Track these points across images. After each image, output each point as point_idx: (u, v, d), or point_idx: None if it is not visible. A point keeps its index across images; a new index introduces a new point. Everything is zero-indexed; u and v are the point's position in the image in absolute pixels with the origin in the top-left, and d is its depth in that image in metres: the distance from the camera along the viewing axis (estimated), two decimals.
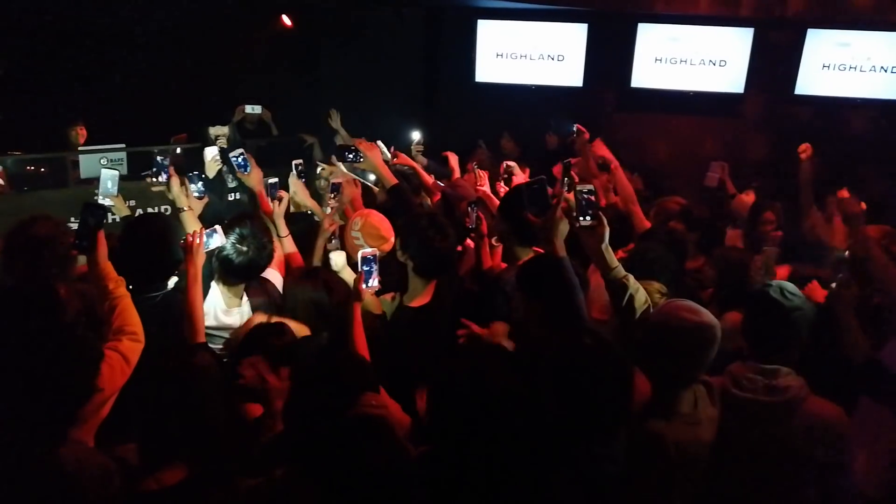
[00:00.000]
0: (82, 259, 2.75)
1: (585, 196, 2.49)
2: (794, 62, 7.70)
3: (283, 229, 3.47)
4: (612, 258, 2.50)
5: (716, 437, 2.33)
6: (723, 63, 8.00)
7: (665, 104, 8.32)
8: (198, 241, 2.81)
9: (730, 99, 8.05)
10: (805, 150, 5.03)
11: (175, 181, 3.39)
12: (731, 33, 7.90)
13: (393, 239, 3.29)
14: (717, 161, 5.70)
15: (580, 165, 4.79)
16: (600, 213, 2.51)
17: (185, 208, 3.34)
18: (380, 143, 4.47)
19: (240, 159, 3.55)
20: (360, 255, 2.85)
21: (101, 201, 3.61)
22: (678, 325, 2.28)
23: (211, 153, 4.49)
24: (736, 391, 2.38)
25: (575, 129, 4.91)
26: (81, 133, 6.68)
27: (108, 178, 3.60)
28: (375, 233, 3.33)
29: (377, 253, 2.88)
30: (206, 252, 2.88)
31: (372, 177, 4.41)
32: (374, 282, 2.83)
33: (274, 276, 3.28)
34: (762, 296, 2.49)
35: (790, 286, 2.48)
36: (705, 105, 8.16)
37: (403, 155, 4.71)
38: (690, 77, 8.13)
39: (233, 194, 5.46)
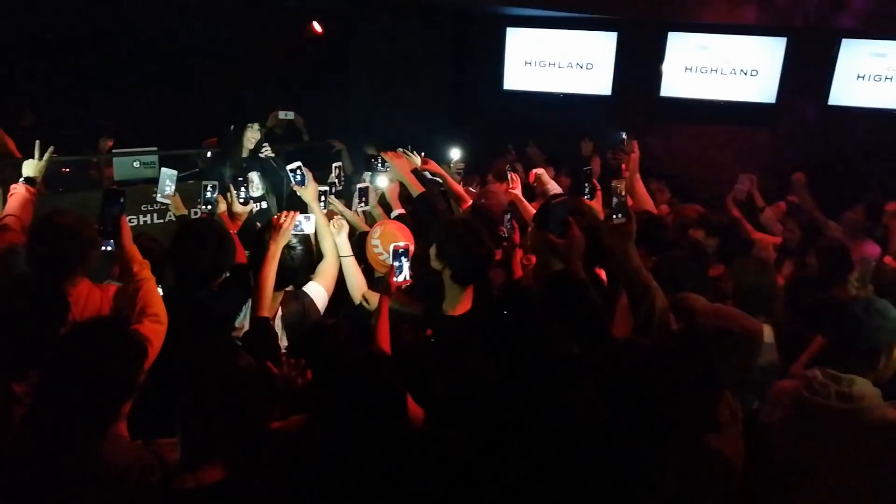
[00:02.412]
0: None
1: (618, 195, 2.53)
2: (829, 72, 7.59)
3: (347, 248, 3.35)
4: (637, 259, 2.52)
5: (786, 443, 2.33)
6: (754, 73, 7.92)
7: (695, 114, 8.25)
8: (287, 222, 2.86)
9: (762, 109, 7.96)
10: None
11: (222, 206, 3.47)
12: (764, 43, 7.82)
13: (412, 246, 3.30)
14: (745, 173, 5.64)
15: (630, 171, 4.76)
16: (630, 211, 2.54)
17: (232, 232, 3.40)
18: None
19: (297, 173, 3.48)
20: (391, 247, 2.87)
21: (158, 199, 3.70)
22: (741, 330, 2.28)
23: (255, 177, 4.53)
24: (807, 395, 2.34)
25: (623, 136, 4.88)
26: (109, 144, 6.85)
27: (167, 178, 3.64)
28: (393, 240, 3.31)
29: (409, 246, 2.89)
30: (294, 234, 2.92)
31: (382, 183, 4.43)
32: (405, 275, 2.85)
33: (317, 290, 3.19)
34: (844, 311, 2.45)
35: (881, 303, 2.43)
36: (736, 115, 8.08)
37: (433, 162, 4.72)
38: (721, 86, 8.05)
39: (258, 203, 5.50)
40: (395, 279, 2.81)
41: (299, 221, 2.95)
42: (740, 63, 7.96)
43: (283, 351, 2.89)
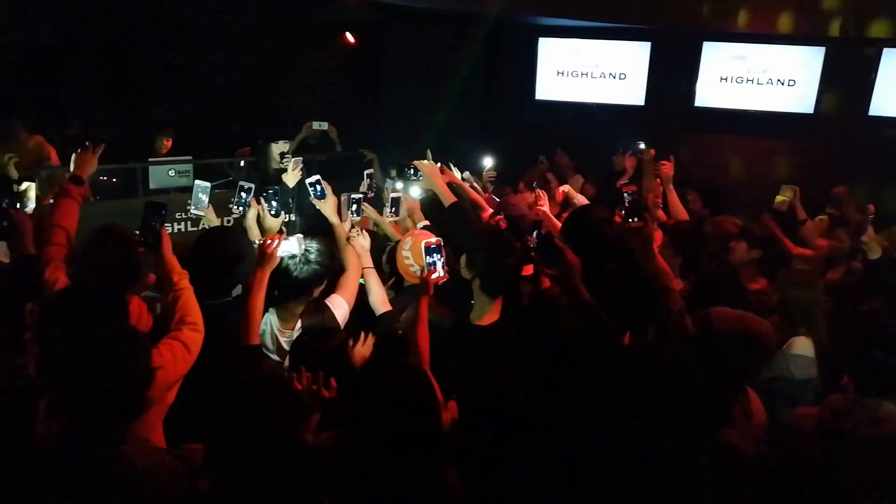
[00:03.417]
0: None
1: (631, 199, 2.67)
2: (869, 82, 7.42)
3: (368, 260, 3.38)
4: (656, 261, 2.61)
5: (815, 471, 2.28)
6: (792, 83, 7.78)
7: (730, 124, 8.13)
8: (273, 247, 2.84)
9: (799, 119, 7.80)
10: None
11: (252, 213, 3.49)
12: (801, 52, 7.68)
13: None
14: (787, 185, 5.52)
15: (647, 183, 4.75)
16: (647, 214, 2.65)
17: (257, 241, 3.41)
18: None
19: (317, 187, 3.52)
20: (423, 244, 2.89)
21: (193, 212, 3.75)
22: (750, 331, 2.25)
23: (294, 162, 4.55)
24: (834, 422, 2.30)
25: (641, 146, 4.88)
26: (167, 144, 6.95)
27: (201, 190, 3.71)
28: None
29: (440, 242, 2.91)
30: (281, 256, 2.89)
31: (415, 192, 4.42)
32: (440, 271, 2.87)
33: (338, 303, 3.20)
34: (877, 331, 2.42)
35: None
36: (773, 126, 7.94)
37: (450, 172, 4.69)
38: (757, 97, 7.92)
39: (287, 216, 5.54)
40: (431, 276, 2.84)
41: (285, 242, 2.90)
42: (777, 73, 7.82)
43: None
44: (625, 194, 2.75)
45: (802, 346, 3.18)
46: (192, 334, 2.44)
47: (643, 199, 4.31)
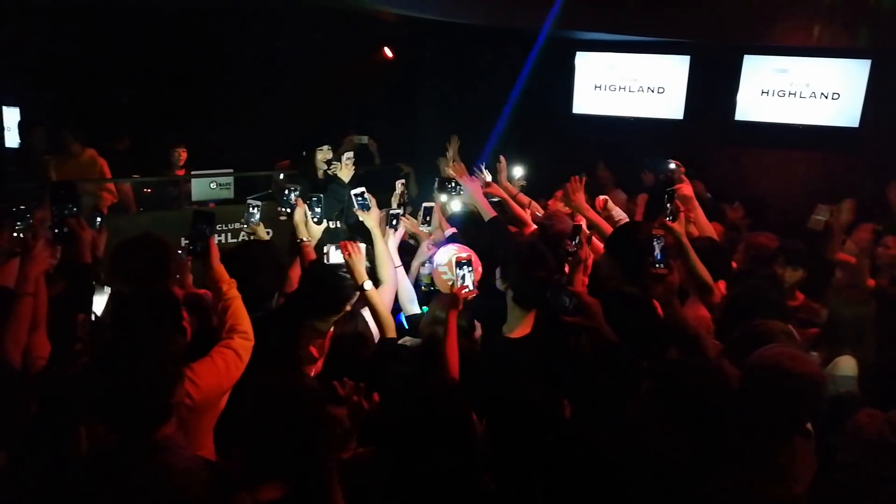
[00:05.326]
0: None
1: (661, 243, 2.67)
2: None
3: (397, 258, 3.48)
4: (680, 311, 2.60)
5: (870, 491, 2.21)
6: (836, 96, 7.63)
7: (772, 138, 7.99)
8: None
9: (843, 134, 7.64)
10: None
11: (300, 212, 3.58)
12: (845, 65, 7.54)
13: (480, 269, 3.31)
14: (823, 204, 5.37)
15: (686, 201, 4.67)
16: (672, 263, 2.65)
17: (305, 239, 3.50)
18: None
19: (362, 199, 3.61)
20: (454, 259, 2.93)
21: (246, 228, 3.86)
22: (782, 373, 2.15)
23: (347, 157, 4.61)
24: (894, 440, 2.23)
25: (672, 165, 4.79)
26: (182, 155, 7.12)
27: (252, 207, 3.85)
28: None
29: (471, 257, 2.94)
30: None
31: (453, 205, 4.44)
32: (470, 284, 2.88)
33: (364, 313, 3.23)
34: None
35: None
36: (816, 139, 7.78)
37: (496, 185, 4.71)
38: (800, 110, 7.79)
39: (334, 223, 5.60)
40: (461, 291, 2.85)
41: (328, 251, 3.00)
42: (821, 86, 7.68)
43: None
44: (656, 237, 2.74)
45: (847, 366, 3.11)
46: (243, 342, 2.50)
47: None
